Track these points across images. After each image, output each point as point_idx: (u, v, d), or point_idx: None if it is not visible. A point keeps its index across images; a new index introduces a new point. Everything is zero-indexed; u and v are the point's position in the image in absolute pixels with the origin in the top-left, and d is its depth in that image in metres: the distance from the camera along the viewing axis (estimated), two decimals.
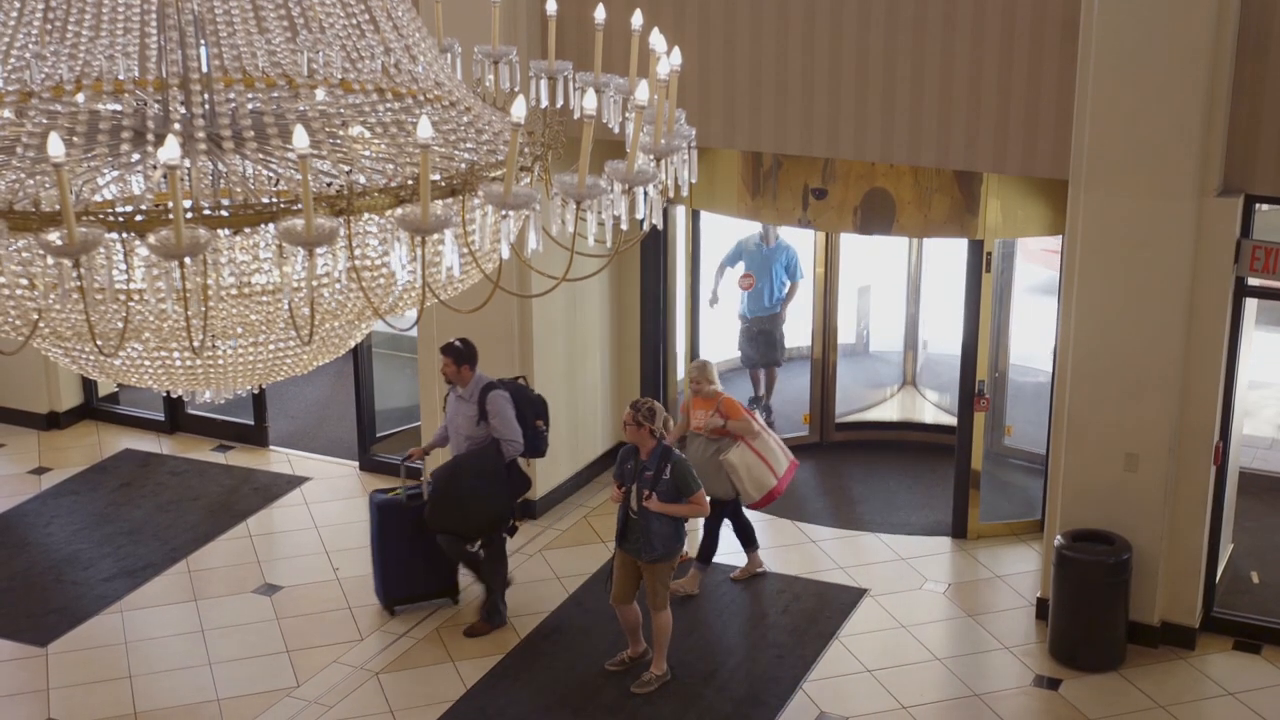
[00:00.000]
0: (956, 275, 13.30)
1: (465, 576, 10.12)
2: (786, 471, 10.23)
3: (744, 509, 10.36)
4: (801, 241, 12.74)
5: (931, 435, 12.69)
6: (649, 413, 9.00)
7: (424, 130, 3.26)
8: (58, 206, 3.15)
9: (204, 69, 3.88)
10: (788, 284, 12.79)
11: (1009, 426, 11.92)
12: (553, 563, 10.74)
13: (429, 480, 9.86)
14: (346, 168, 3.93)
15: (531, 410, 9.83)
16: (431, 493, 9.69)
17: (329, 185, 3.88)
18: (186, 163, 3.80)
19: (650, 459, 8.94)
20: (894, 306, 13.44)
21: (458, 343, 9.71)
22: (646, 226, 3.86)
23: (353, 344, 4.34)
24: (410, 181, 3.74)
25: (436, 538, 9.72)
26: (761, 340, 12.93)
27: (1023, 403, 12.09)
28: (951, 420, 11.71)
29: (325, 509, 11.59)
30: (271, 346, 3.96)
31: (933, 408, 13.16)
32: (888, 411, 13.18)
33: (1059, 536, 9.42)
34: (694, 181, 4.18)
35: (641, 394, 11.95)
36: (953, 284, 13.38)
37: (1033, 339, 12.19)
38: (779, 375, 13.10)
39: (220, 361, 3.96)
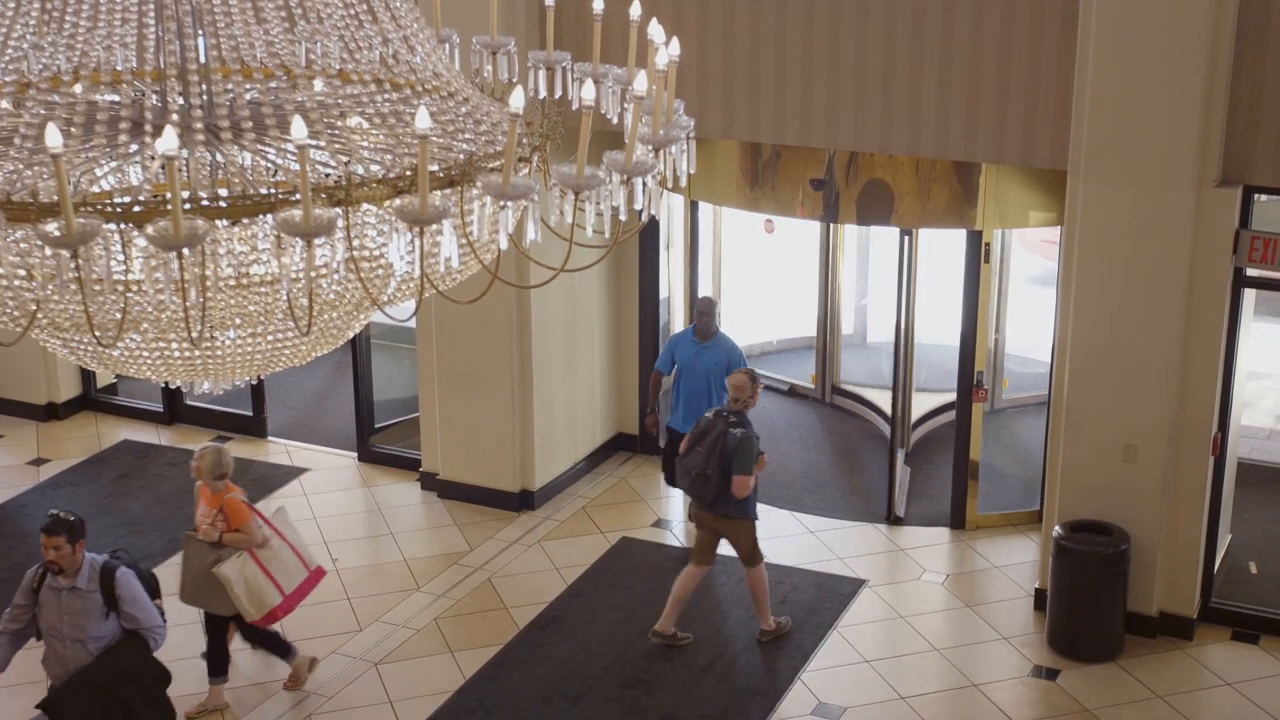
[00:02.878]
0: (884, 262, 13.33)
1: None
2: (301, 586, 8.78)
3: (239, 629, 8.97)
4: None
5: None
6: None
7: (422, 121, 3.25)
8: (55, 197, 3.15)
9: (202, 60, 3.87)
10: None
11: (1005, 380, 12.34)
12: (551, 553, 10.74)
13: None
14: (345, 158, 3.93)
15: (147, 589, 7.85)
16: None
17: (327, 176, 3.88)
18: (184, 153, 3.80)
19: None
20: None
21: (69, 516, 7.62)
22: (645, 217, 3.86)
23: (351, 335, 4.34)
24: (408, 172, 3.73)
25: None
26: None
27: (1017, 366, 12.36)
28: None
29: (324, 500, 11.60)
30: (270, 337, 3.96)
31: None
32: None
33: (1057, 527, 9.43)
34: (692, 172, 4.18)
35: (640, 385, 11.96)
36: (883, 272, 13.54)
37: (1032, 330, 12.21)
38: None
39: (219, 352, 3.96)
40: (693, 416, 10.09)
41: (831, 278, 13.21)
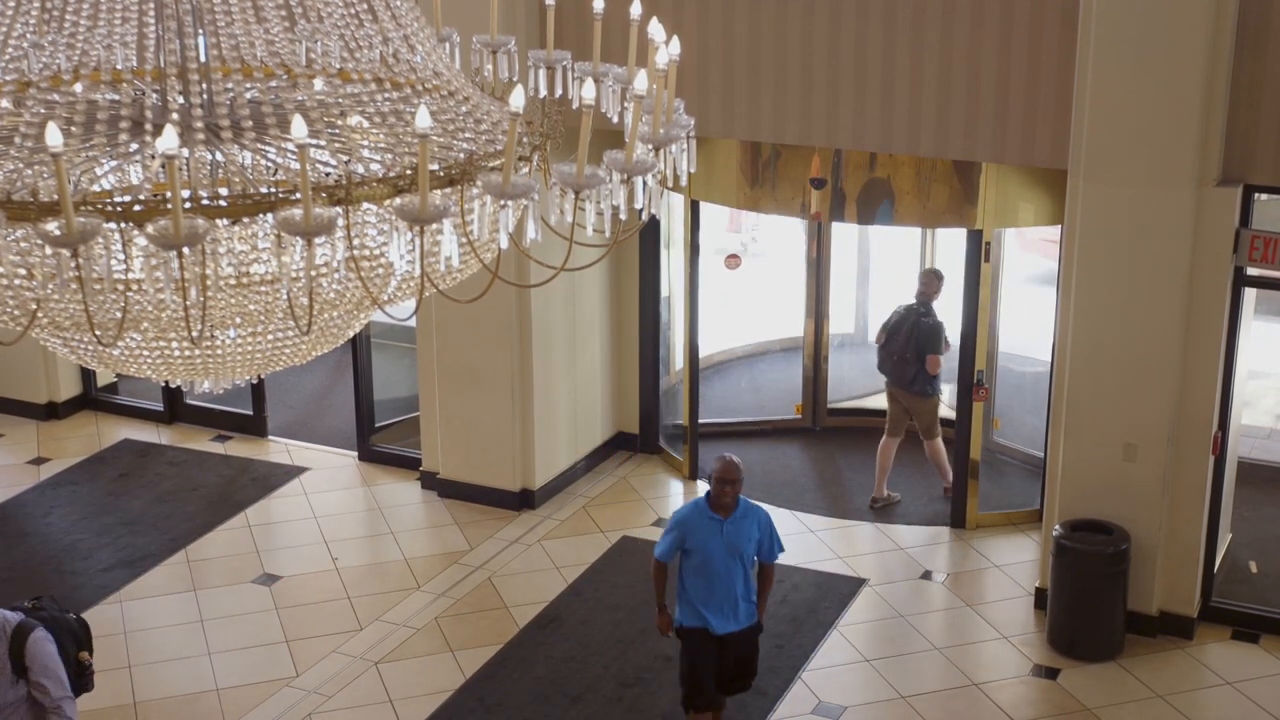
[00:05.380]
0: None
1: None
2: None
3: None
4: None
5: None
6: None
7: (422, 120, 3.25)
8: (56, 196, 3.15)
9: (202, 59, 3.87)
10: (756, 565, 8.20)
11: (996, 420, 12.11)
12: (551, 552, 10.74)
13: None
14: (345, 157, 3.93)
15: (73, 641, 7.01)
16: None
17: (327, 175, 3.88)
18: (185, 152, 3.80)
19: None
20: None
21: None
22: (645, 216, 3.86)
23: (351, 334, 4.33)
24: (409, 171, 3.73)
25: None
26: (735, 667, 8.22)
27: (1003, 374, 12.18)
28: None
29: (324, 499, 11.60)
30: (270, 336, 3.96)
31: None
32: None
33: (1057, 526, 9.43)
34: (693, 171, 4.18)
35: (640, 384, 11.97)
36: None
37: (1030, 329, 12.19)
38: None
39: (219, 351, 3.95)
40: (730, 613, 7.95)
41: (821, 285, 12.77)
